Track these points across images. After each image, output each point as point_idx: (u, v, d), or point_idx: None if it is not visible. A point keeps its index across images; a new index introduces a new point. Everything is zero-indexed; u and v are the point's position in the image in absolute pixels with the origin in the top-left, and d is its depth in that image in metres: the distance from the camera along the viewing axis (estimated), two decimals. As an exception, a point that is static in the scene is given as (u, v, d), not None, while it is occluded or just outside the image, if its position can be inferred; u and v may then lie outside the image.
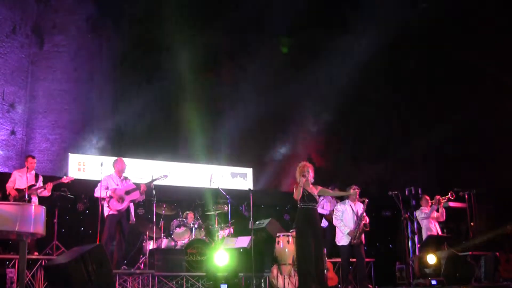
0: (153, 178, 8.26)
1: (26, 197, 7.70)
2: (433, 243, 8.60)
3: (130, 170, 8.68)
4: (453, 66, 12.68)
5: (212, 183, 9.94)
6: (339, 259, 8.54)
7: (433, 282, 7.67)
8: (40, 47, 11.36)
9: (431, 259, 8.02)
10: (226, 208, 9.63)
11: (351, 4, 12.92)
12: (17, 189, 7.97)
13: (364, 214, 7.95)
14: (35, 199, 8.03)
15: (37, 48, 11.32)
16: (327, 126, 13.64)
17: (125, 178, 8.27)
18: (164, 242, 9.03)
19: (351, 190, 7.95)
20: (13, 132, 10.71)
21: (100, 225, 7.79)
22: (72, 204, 9.39)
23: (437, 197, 9.16)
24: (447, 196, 9.15)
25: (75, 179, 8.57)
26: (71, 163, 10.07)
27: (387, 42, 12.92)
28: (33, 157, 8.35)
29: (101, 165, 8.07)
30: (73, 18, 11.69)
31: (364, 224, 7.91)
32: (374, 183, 11.94)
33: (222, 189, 9.52)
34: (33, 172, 8.24)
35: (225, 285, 7.24)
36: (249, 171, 11.72)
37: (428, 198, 9.32)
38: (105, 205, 7.97)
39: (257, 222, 8.99)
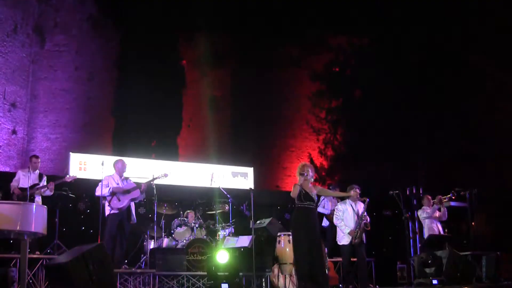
0: (154, 177, 8.27)
1: (28, 196, 7.70)
2: (434, 242, 8.59)
3: (130, 169, 8.68)
4: (454, 66, 12.68)
5: (213, 183, 9.92)
6: (340, 259, 8.55)
7: (434, 281, 7.66)
8: (41, 47, 11.37)
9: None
10: (227, 208, 9.63)
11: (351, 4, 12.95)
12: (20, 188, 7.98)
13: (365, 213, 7.95)
14: (38, 199, 8.04)
15: (38, 48, 11.33)
16: (328, 126, 13.65)
17: (126, 179, 8.29)
18: (165, 242, 9.03)
19: (351, 192, 7.95)
20: (14, 132, 10.72)
21: (101, 224, 7.80)
22: (73, 204, 9.40)
23: (439, 196, 9.16)
24: (449, 195, 9.15)
25: (76, 178, 8.57)
26: (72, 162, 10.06)
27: (388, 41, 12.96)
28: (37, 157, 8.37)
29: (102, 164, 8.08)
30: (74, 17, 11.71)
31: (365, 224, 7.90)
32: (375, 182, 11.92)
33: (223, 188, 9.52)
34: (37, 171, 8.25)
35: (226, 285, 7.24)
36: (250, 171, 11.72)
37: (430, 197, 9.31)
38: (106, 204, 7.98)
39: (258, 222, 8.99)
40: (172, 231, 9.12)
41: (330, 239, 9.13)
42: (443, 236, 9.01)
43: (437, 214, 9.14)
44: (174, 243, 9.02)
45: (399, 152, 12.59)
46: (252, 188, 9.12)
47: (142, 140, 11.59)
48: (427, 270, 8.07)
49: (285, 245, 7.94)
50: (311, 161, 13.20)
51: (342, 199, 8.60)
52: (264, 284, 8.46)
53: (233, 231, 9.22)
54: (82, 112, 11.49)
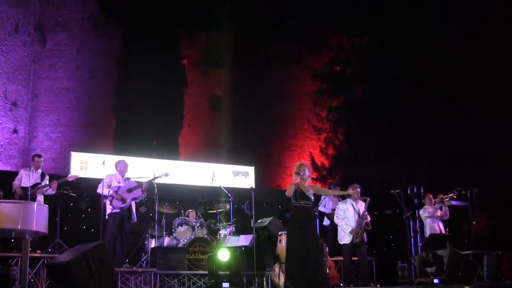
0: (155, 176, 8.28)
1: (30, 195, 7.71)
2: (435, 242, 8.59)
3: (132, 169, 8.68)
4: (454, 66, 12.66)
5: (214, 182, 9.92)
6: (341, 258, 8.55)
7: (435, 280, 7.65)
8: (42, 46, 11.38)
9: None
10: (228, 207, 9.64)
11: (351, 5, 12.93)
12: (22, 188, 7.99)
13: (366, 212, 7.95)
14: (40, 198, 8.05)
15: (39, 47, 11.34)
16: (329, 124, 13.64)
17: (127, 179, 8.29)
18: (166, 241, 9.04)
19: (351, 190, 7.94)
20: (15, 131, 10.73)
21: (102, 223, 7.80)
22: (75, 203, 9.40)
23: (441, 196, 9.15)
24: (450, 194, 9.14)
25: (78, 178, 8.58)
26: (74, 161, 10.06)
27: (389, 40, 12.93)
28: (40, 156, 8.39)
29: (103, 163, 8.08)
30: (76, 16, 11.71)
31: (366, 223, 7.90)
32: (376, 181, 11.91)
33: (224, 187, 9.52)
34: (40, 171, 8.26)
35: (227, 284, 7.25)
36: (251, 170, 11.72)
37: (431, 196, 9.30)
38: (107, 203, 7.99)
39: (259, 221, 9.00)
40: (173, 230, 9.13)
41: (331, 238, 9.12)
42: (444, 235, 9.01)
43: (438, 213, 9.13)
44: (175, 242, 9.02)
45: (400, 151, 12.57)
46: (253, 187, 9.13)
47: (143, 139, 11.60)
48: (428, 269, 8.05)
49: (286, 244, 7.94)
50: (312, 160, 13.20)
51: (343, 198, 8.59)
52: (265, 283, 8.47)
53: (234, 230, 9.23)
54: (83, 111, 11.49)
